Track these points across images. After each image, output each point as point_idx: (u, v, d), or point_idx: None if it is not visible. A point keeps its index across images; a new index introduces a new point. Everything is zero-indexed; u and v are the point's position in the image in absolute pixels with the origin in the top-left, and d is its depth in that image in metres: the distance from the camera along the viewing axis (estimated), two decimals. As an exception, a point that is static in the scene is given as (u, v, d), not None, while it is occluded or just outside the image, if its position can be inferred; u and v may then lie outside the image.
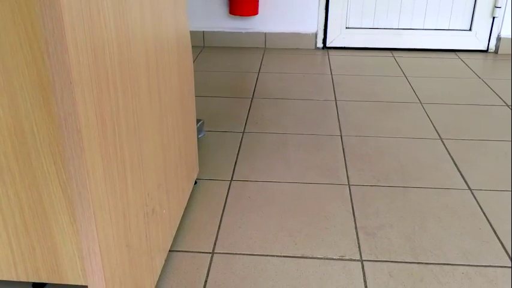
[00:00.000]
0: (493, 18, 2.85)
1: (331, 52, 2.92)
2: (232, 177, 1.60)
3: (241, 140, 1.85)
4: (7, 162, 0.90)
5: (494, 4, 2.82)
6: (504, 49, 2.90)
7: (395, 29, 2.91)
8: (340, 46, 2.96)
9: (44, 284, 1.16)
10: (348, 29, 2.92)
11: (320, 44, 2.96)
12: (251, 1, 2.76)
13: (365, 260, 1.24)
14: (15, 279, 1.05)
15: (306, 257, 1.25)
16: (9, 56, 0.80)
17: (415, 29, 2.91)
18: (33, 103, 0.84)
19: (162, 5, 1.10)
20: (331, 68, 2.65)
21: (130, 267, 0.95)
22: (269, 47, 2.97)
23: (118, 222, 0.86)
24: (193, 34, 2.95)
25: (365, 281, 1.17)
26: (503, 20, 2.84)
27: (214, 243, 1.29)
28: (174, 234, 1.26)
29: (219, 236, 1.32)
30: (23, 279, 1.06)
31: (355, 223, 1.38)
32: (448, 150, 1.77)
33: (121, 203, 0.87)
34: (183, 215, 1.40)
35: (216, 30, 2.94)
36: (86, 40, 0.69)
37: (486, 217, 1.41)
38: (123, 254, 0.90)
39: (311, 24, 2.90)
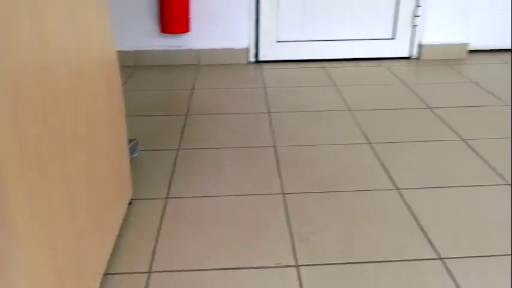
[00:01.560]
0: (414, 26, 3.01)
1: (264, 66, 2.98)
2: (167, 195, 1.60)
3: (176, 157, 1.85)
4: None
5: (414, 14, 2.98)
6: (426, 55, 3.06)
7: (324, 41, 3.01)
8: (273, 59, 3.02)
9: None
10: (278, 43, 2.99)
11: (253, 59, 3.02)
12: (182, 18, 2.78)
13: (300, 265, 1.27)
14: None
15: (243, 268, 1.26)
16: None
17: (343, 40, 3.02)
18: None
19: (86, 26, 1.10)
20: (265, 81, 2.71)
21: (61, 292, 0.93)
22: (202, 63, 3.00)
23: (45, 248, 0.85)
24: (124, 54, 2.93)
25: (301, 286, 1.20)
26: (423, 28, 3.01)
27: (151, 262, 1.29)
28: (108, 256, 1.24)
29: (155, 255, 1.32)
30: None
31: (290, 230, 1.41)
32: (376, 154, 1.85)
33: (48, 227, 0.85)
34: (118, 236, 1.38)
35: (148, 49, 2.94)
36: (4, 62, 0.69)
37: (413, 214, 1.48)
38: (51, 280, 0.88)
39: (243, 40, 2.95)
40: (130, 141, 1.84)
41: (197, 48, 2.95)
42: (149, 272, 1.25)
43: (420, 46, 3.05)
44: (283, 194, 1.60)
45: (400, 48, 3.06)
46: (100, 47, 1.22)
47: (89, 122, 1.11)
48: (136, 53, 2.95)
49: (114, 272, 1.25)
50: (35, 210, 0.81)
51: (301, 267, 1.26)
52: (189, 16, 2.84)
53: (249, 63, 3.02)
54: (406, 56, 3.09)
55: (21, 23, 0.77)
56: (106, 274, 1.24)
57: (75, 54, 1.04)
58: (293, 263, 1.28)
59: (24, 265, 0.77)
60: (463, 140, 1.96)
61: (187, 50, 2.95)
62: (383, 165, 1.76)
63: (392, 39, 3.05)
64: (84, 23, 1.11)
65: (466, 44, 3.08)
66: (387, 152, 1.87)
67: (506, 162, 1.77)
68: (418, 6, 2.96)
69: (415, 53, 3.08)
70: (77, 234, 1.01)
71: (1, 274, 0.88)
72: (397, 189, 1.62)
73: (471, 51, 3.17)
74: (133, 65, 2.98)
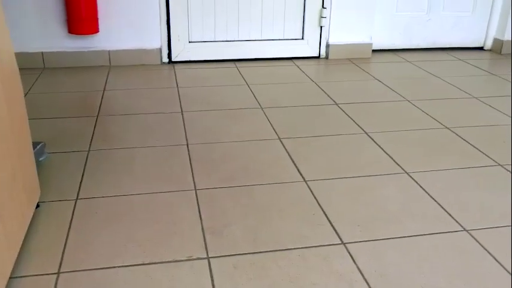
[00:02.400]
0: (321, 27, 3.15)
1: (177, 66, 2.99)
2: (77, 196, 1.58)
3: (87, 158, 1.83)
4: None
5: (320, 14, 3.12)
6: (333, 54, 3.21)
7: (236, 41, 3.07)
8: (185, 60, 3.04)
9: None
10: (191, 43, 3.01)
11: (166, 59, 3.02)
12: (90, 19, 2.73)
13: (211, 257, 1.31)
14: None
15: (155, 263, 1.28)
16: None
17: (254, 40, 3.10)
18: None
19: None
20: (177, 81, 2.72)
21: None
22: (114, 64, 2.95)
23: None
24: (31, 56, 2.83)
25: (211, 276, 1.24)
26: (329, 29, 3.15)
27: (60, 263, 1.27)
28: (14, 259, 1.21)
29: (64, 256, 1.30)
30: None
31: (202, 225, 1.45)
32: (285, 149, 1.93)
33: None
34: (24, 239, 1.35)
35: (56, 50, 2.85)
36: None
37: (319, 203, 1.56)
38: None
39: (155, 40, 2.94)
40: (37, 144, 1.79)
41: (108, 49, 2.91)
42: (58, 273, 1.23)
43: (328, 46, 3.20)
44: (196, 190, 1.63)
45: (309, 48, 3.19)
46: None
47: (-14, 122, 1.08)
48: (45, 55, 2.85)
49: (20, 275, 1.22)
50: None
51: (211, 259, 1.30)
52: (97, 16, 2.79)
53: (162, 63, 3.02)
54: (315, 55, 3.23)
55: None
56: (12, 277, 1.21)
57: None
58: (204, 256, 1.31)
59: None
60: (366, 133, 2.09)
61: (98, 51, 2.90)
62: (292, 159, 1.84)
63: (301, 39, 3.17)
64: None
65: (370, 44, 3.26)
66: (296, 146, 1.95)
67: (403, 153, 1.91)
68: (324, 8, 3.10)
69: (323, 53, 3.23)
70: (-24, 237, 0.98)
71: None
72: (305, 181, 1.70)
73: (375, 50, 3.37)
74: (41, 67, 2.88)
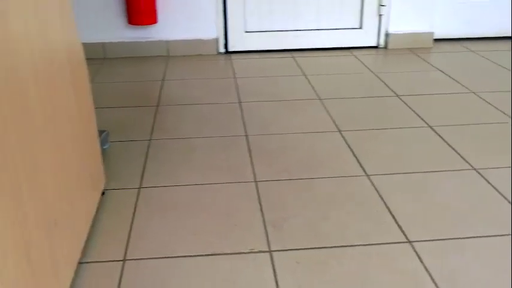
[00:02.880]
0: (380, 16, 3.06)
1: (234, 56, 2.98)
2: (140, 185, 1.60)
3: (148, 147, 1.85)
4: None
5: (379, 3, 3.03)
6: (392, 44, 3.12)
7: (293, 31, 3.03)
8: (242, 50, 3.03)
9: None
10: (247, 33, 3.00)
11: (222, 49, 3.02)
12: (149, 10, 2.76)
13: (273, 251, 1.29)
14: None
15: (217, 254, 1.28)
16: None
17: (311, 30, 3.05)
18: None
19: (49, 19, 1.09)
20: (235, 71, 2.72)
21: (34, 282, 0.93)
22: (172, 54, 2.98)
23: (15, 236, 0.84)
24: (93, 46, 2.89)
25: (274, 270, 1.22)
26: (389, 17, 3.06)
27: (125, 251, 1.29)
28: (82, 245, 1.24)
29: (129, 243, 1.32)
30: None
31: (263, 217, 1.43)
32: (346, 141, 1.89)
33: (16, 216, 0.85)
34: (91, 225, 1.38)
35: (116, 41, 2.91)
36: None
37: (382, 199, 1.52)
38: (23, 269, 0.88)
39: (211, 30, 2.95)
40: (101, 132, 1.83)
41: (166, 40, 2.94)
42: (123, 260, 1.26)
43: (387, 35, 3.11)
44: (256, 181, 1.62)
45: (367, 37, 3.11)
46: (63, 38, 1.21)
47: (55, 114, 1.11)
48: (105, 45, 2.91)
49: (88, 261, 1.25)
50: (1, 198, 0.81)
51: (274, 253, 1.29)
52: (156, 7, 2.82)
53: (219, 53, 3.02)
54: (374, 45, 3.14)
55: (-11, 11, 0.77)
56: (80, 263, 1.24)
57: (37, 46, 1.03)
58: (266, 249, 1.30)
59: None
60: (430, 126, 2.01)
61: (156, 41, 2.94)
62: (353, 152, 1.80)
63: (359, 28, 3.09)
64: (45, 15, 1.10)
65: (431, 33, 3.14)
66: (357, 139, 1.91)
67: (471, 148, 1.83)
68: (385, -4, 3.01)
69: (382, 42, 3.14)
70: (48, 223, 1.01)
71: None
72: (367, 175, 1.65)
73: (436, 39, 3.25)
74: (102, 57, 2.95)
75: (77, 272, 1.21)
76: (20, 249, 0.86)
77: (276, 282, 1.19)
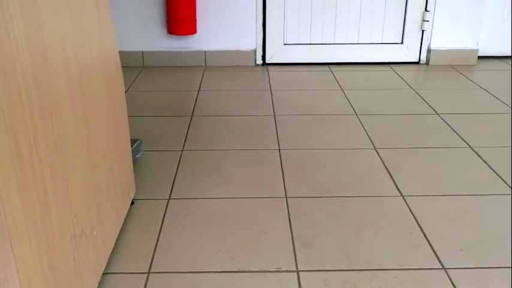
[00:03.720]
0: (422, 31, 2.99)
1: (271, 68, 2.97)
2: (170, 196, 1.59)
3: (180, 158, 1.85)
4: None
5: (423, 18, 2.96)
6: (434, 60, 3.04)
7: (332, 44, 3.00)
8: (279, 62, 3.01)
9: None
10: (286, 45, 2.98)
11: (260, 61, 3.01)
12: (188, 20, 2.78)
13: (301, 271, 1.26)
14: None
15: (243, 271, 1.25)
16: None
17: (351, 44, 3.01)
18: None
19: (85, 28, 1.09)
20: (271, 83, 2.70)
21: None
22: (209, 65, 2.99)
23: (39, 246, 0.84)
24: (132, 54, 2.93)
25: (301, 291, 1.19)
26: (431, 33, 2.98)
27: (151, 263, 1.28)
28: (108, 256, 1.24)
29: (155, 256, 1.31)
30: None
31: (292, 234, 1.40)
32: (381, 159, 1.83)
33: (42, 226, 0.85)
34: (118, 236, 1.37)
35: (155, 50, 2.94)
36: (-7, 62, 0.68)
37: (417, 222, 1.46)
38: (47, 278, 0.87)
39: (250, 42, 2.94)
40: (134, 141, 1.84)
41: (204, 50, 2.95)
42: (148, 273, 1.24)
43: (429, 51, 3.03)
44: (286, 197, 1.59)
45: (408, 53, 3.04)
46: (100, 47, 1.21)
47: (87, 122, 1.11)
48: (144, 54, 2.95)
49: (113, 272, 1.24)
50: (29, 208, 0.80)
51: (301, 273, 1.25)
52: (195, 18, 2.84)
53: (256, 65, 3.01)
54: (415, 61, 3.07)
55: (15, 25, 0.77)
56: (105, 273, 1.23)
57: (73, 54, 1.03)
58: (293, 268, 1.26)
59: (17, 264, 0.76)
60: (471, 147, 1.93)
61: (194, 51, 2.95)
62: (388, 171, 1.75)
63: (400, 43, 3.03)
64: (83, 24, 1.10)
65: (475, 50, 3.05)
66: (393, 157, 1.85)
67: (514, 171, 1.75)
68: (427, 11, 2.94)
69: (423, 58, 3.06)
70: (74, 233, 1.00)
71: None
72: (402, 196, 1.60)
73: (481, 57, 3.15)
74: (141, 66, 2.98)
75: (101, 283, 1.20)
76: (44, 259, 0.86)
77: (302, 304, 1.15)
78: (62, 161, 0.94)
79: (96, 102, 1.15)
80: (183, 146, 1.95)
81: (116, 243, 1.34)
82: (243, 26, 2.90)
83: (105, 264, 1.22)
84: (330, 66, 3.01)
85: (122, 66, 3.10)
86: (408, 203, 1.56)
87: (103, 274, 1.23)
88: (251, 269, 1.26)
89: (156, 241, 1.37)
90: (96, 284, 1.15)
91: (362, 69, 2.96)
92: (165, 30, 2.90)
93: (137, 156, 1.83)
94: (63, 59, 0.96)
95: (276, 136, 2.03)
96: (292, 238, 1.38)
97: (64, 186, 0.95)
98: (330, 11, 2.93)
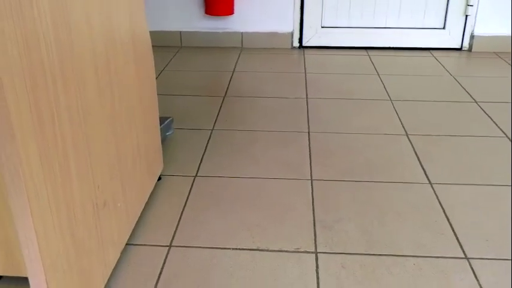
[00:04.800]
0: (466, 16, 2.89)
1: (307, 51, 2.94)
2: (196, 173, 1.62)
3: (210, 137, 1.87)
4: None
5: (467, 2, 2.86)
6: (478, 47, 2.94)
7: (370, 28, 2.94)
8: (316, 45, 2.98)
9: (0, 276, 1.17)
10: (323, 28, 2.94)
11: (296, 44, 2.99)
12: (226, 1, 2.78)
13: (319, 252, 1.26)
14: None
15: (262, 250, 1.27)
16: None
17: (390, 28, 2.94)
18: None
19: (113, 5, 1.11)
20: (306, 66, 2.68)
21: (77, 258, 0.96)
22: (246, 46, 2.99)
23: (59, 212, 0.87)
24: (170, 34, 2.97)
25: (317, 272, 1.19)
26: (475, 18, 2.88)
27: (173, 237, 1.31)
28: (132, 227, 1.27)
29: (177, 230, 1.34)
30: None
31: (314, 217, 1.40)
32: (412, 146, 1.80)
33: (63, 193, 0.88)
34: (144, 209, 1.41)
35: (192, 30, 2.96)
36: (16, 32, 0.71)
37: (443, 210, 1.43)
38: (67, 244, 0.91)
39: (287, 24, 2.92)
40: (165, 119, 1.87)
41: (241, 31, 2.95)
42: (169, 246, 1.27)
43: (472, 37, 2.93)
44: (312, 180, 1.58)
45: (450, 38, 2.95)
46: (129, 24, 1.23)
47: (113, 96, 1.13)
48: (182, 34, 2.98)
49: (136, 243, 1.28)
50: (49, 174, 0.83)
51: (319, 254, 1.25)
52: (234, -2, 2.84)
53: (293, 48, 3.00)
54: (457, 47, 2.98)
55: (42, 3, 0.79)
56: (128, 244, 1.27)
57: (99, 29, 1.05)
58: (312, 250, 1.27)
59: (36, 226, 0.80)
60: (508, 137, 1.87)
61: (231, 32, 2.96)
62: (418, 158, 1.71)
63: (442, 29, 2.94)
64: (109, 4, 1.12)
65: (522, 38, 2.93)
66: (424, 144, 1.81)
67: (551, 163, 1.68)
68: (473, -4, 2.84)
69: (466, 45, 2.96)
70: (97, 203, 1.04)
71: (16, 244, 0.91)
72: (430, 183, 1.57)
73: (528, 45, 3.02)
74: (179, 46, 3.02)
75: (123, 253, 1.24)
76: (65, 226, 0.89)
77: (318, 284, 1.15)
78: (85, 132, 0.97)
79: (123, 78, 1.18)
80: (214, 125, 1.97)
81: (140, 216, 1.38)
82: (280, 8, 2.88)
83: (129, 235, 1.25)
84: (368, 50, 2.96)
85: (160, 46, 3.14)
86: (436, 190, 1.53)
87: (126, 245, 1.27)
88: (270, 248, 1.27)
89: (179, 216, 1.40)
90: (119, 254, 1.19)
91: (401, 55, 2.89)
92: (202, 11, 2.91)
93: (168, 133, 1.86)
94: (89, 33, 0.98)
95: (307, 119, 2.02)
96: (314, 221, 1.38)
97: (87, 157, 0.98)
98: (370, -6, 2.87)
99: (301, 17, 2.91)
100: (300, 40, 2.97)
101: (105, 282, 1.11)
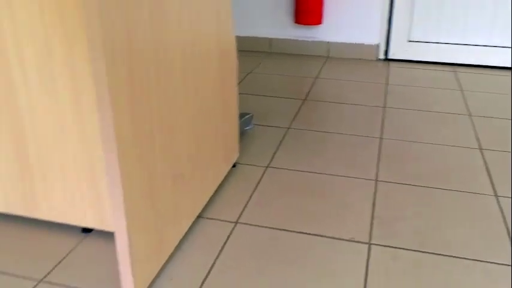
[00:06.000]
0: None
1: (392, 64, 2.99)
2: (268, 164, 1.75)
3: (285, 134, 2.00)
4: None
5: None
6: None
7: (459, 45, 2.93)
8: (402, 59, 3.02)
9: (91, 230, 1.37)
10: (410, 42, 2.98)
11: (382, 56, 3.04)
12: (316, 11, 2.91)
13: (372, 244, 1.34)
14: (68, 223, 1.27)
15: (318, 235, 1.37)
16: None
17: (480, 46, 2.91)
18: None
19: (202, 14, 1.28)
20: (389, 78, 2.73)
21: (155, 219, 1.12)
22: (331, 55, 3.10)
23: (143, 179, 1.04)
24: (260, 40, 3.15)
25: (367, 262, 1.27)
26: None
27: (240, 215, 1.45)
28: (204, 202, 1.43)
29: (245, 210, 1.48)
30: (74, 223, 1.27)
31: (373, 213, 1.48)
32: (484, 159, 1.81)
33: (147, 158, 1.05)
34: (217, 189, 1.57)
35: (282, 37, 3.12)
36: (120, 18, 0.89)
37: (505, 222, 1.45)
38: (147, 206, 1.08)
39: (374, 36, 2.99)
40: (246, 114, 2.03)
41: (327, 41, 3.06)
42: (236, 222, 1.42)
43: None
44: (376, 180, 1.66)
45: (544, 60, 2.86)
46: (216, 31, 1.40)
47: (197, 87, 1.30)
48: (272, 41, 3.14)
49: (206, 217, 1.44)
50: (137, 138, 1.01)
51: (372, 246, 1.33)
52: (322, 9, 2.96)
53: (378, 60, 3.05)
54: (551, 69, 2.88)
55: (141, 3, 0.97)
56: (199, 217, 1.43)
57: (189, 27, 1.22)
58: (366, 240, 1.35)
59: (126, 194, 0.97)
60: None
61: (318, 41, 3.08)
62: (488, 171, 1.73)
63: (536, 50, 2.86)
64: (199, 10, 1.29)
65: None
66: (497, 159, 1.81)
67: None
68: None
69: (561, 67, 2.86)
70: (175, 174, 1.20)
71: (106, 202, 1.08)
72: (496, 195, 1.58)
73: None
74: (268, 51, 3.19)
75: (194, 223, 1.40)
76: (146, 191, 1.06)
77: (366, 273, 1.24)
78: (170, 112, 1.14)
79: (207, 72, 1.35)
80: (290, 124, 2.10)
81: (213, 195, 1.54)
82: (368, 20, 2.96)
83: (201, 209, 1.41)
84: (454, 67, 2.95)
85: (250, 51, 3.33)
86: (500, 202, 1.54)
87: (198, 217, 1.43)
88: (326, 235, 1.37)
89: (248, 198, 1.54)
90: (190, 223, 1.35)
91: (489, 73, 2.85)
92: (292, 19, 3.06)
93: (247, 128, 2.02)
94: (180, 30, 1.15)
95: (381, 126, 2.09)
96: (372, 217, 1.46)
97: (170, 131, 1.15)
98: (460, 10, 2.86)
99: (389, 30, 2.97)
100: (386, 53, 3.03)
101: (175, 245, 1.27)
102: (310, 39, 3.09)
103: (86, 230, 1.36)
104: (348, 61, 3.03)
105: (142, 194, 1.04)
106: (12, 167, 1.24)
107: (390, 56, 3.03)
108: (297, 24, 3.06)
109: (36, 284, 1.19)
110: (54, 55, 1.07)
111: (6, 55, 1.10)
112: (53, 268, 1.24)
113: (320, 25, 3.03)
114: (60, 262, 1.26)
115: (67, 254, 1.29)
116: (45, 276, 1.22)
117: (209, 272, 1.23)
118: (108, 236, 1.35)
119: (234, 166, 1.72)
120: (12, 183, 1.26)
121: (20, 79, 1.12)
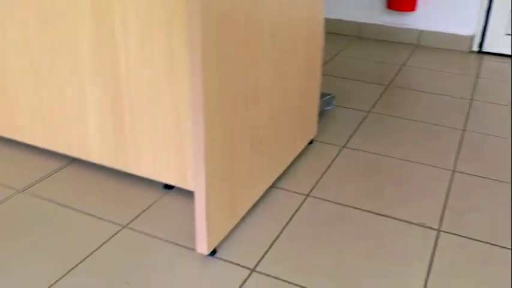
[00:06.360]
0: None
1: (486, 57, 2.87)
2: (345, 145, 1.78)
3: (365, 118, 2.01)
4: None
5: None
6: None
7: (562, 41, 2.75)
8: (497, 52, 2.89)
9: (173, 187, 1.48)
10: (507, 36, 2.84)
11: (475, 48, 2.92)
12: (409, -3, 2.85)
13: (442, 231, 1.34)
14: (154, 179, 1.38)
15: (388, 216, 1.39)
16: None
17: None
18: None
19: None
20: (480, 71, 2.63)
21: (231, 182, 1.20)
22: (422, 44, 3.02)
23: (224, 139, 1.12)
24: (349, 24, 3.13)
25: (434, 247, 1.28)
26: None
27: (312, 189, 1.50)
28: (279, 172, 1.49)
29: (317, 184, 1.52)
30: (159, 179, 1.38)
31: (446, 202, 1.47)
32: None
33: (229, 124, 1.12)
34: (292, 163, 1.62)
35: (372, 22, 3.08)
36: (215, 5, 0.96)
37: None
38: (225, 169, 1.15)
39: (469, 27, 2.88)
40: (327, 95, 2.06)
41: (420, 29, 2.99)
42: (307, 195, 1.47)
43: None
44: (454, 171, 1.64)
45: None
46: (306, 14, 1.43)
47: (282, 60, 1.35)
48: (361, 25, 3.12)
49: (278, 187, 1.50)
50: (223, 104, 1.08)
51: (441, 233, 1.33)
52: (419, -5, 2.89)
53: (471, 52, 2.94)
54: None
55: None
56: (272, 187, 1.50)
57: (279, 9, 1.27)
58: (436, 227, 1.35)
59: (207, 156, 1.05)
60: None
61: (409, 29, 3.01)
62: None
63: None
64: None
65: None
66: None
67: None
68: None
69: None
70: (253, 141, 1.27)
71: (189, 163, 1.16)
72: None
73: None
74: (356, 36, 3.16)
75: (267, 191, 1.47)
76: (225, 160, 1.13)
77: (432, 259, 1.24)
78: (253, 82, 1.20)
79: (293, 50, 1.39)
80: (371, 108, 2.10)
81: (287, 167, 1.60)
82: (465, 10, 2.85)
83: (275, 178, 1.48)
84: (555, 64, 2.78)
85: (339, 34, 3.32)
86: None
87: (271, 187, 1.49)
88: (396, 217, 1.39)
89: (321, 174, 1.58)
90: (263, 191, 1.41)
91: None
92: (384, 4, 3.01)
93: (327, 107, 2.05)
94: (269, 11, 1.21)
95: (465, 118, 2.04)
96: (445, 205, 1.45)
97: (252, 102, 1.21)
98: None
99: (486, 22, 2.84)
100: (481, 45, 2.91)
101: (248, 209, 1.35)
102: (400, 26, 3.03)
103: (168, 187, 1.47)
104: (439, 51, 2.95)
105: (222, 158, 1.12)
106: (109, 126, 1.37)
107: (484, 49, 2.91)
108: (388, 10, 3.01)
109: (121, 229, 1.31)
110: (155, 27, 1.16)
111: (112, 24, 1.22)
112: (136, 217, 1.36)
113: (413, 12, 2.96)
114: (142, 212, 1.38)
115: (149, 206, 1.41)
116: (128, 224, 1.34)
117: (276, 239, 1.29)
118: (187, 194, 1.45)
119: (310, 143, 1.76)
120: (108, 139, 1.39)
121: (122, 44, 1.23)
